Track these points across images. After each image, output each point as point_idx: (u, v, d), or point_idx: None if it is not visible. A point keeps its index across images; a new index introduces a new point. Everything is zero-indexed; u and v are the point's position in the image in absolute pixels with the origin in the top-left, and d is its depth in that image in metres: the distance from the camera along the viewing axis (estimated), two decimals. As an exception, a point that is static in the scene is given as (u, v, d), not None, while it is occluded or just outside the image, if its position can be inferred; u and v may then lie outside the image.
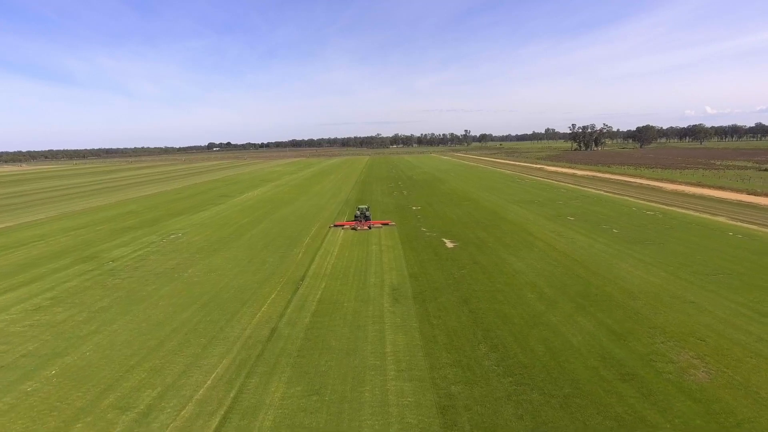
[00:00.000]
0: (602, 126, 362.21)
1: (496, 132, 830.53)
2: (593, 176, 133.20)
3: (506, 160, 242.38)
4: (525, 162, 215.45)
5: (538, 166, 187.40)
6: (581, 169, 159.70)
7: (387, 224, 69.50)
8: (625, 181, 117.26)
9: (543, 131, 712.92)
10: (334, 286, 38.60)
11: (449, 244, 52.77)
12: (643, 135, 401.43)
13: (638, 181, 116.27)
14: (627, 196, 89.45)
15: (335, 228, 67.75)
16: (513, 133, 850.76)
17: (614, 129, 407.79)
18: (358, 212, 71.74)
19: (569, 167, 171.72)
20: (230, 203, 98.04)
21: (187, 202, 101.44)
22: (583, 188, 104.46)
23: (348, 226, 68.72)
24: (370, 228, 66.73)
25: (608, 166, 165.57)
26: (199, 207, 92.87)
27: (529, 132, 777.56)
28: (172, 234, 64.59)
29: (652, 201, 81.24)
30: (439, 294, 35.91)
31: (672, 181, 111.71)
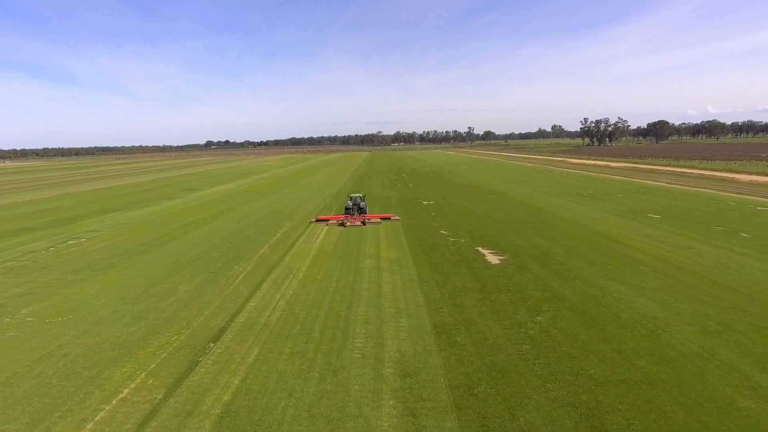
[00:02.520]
0: (617, 120, 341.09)
1: (498, 131, 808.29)
2: (633, 167, 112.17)
3: (518, 154, 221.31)
4: (541, 155, 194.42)
5: (559, 158, 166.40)
6: (614, 161, 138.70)
7: (389, 218, 49.73)
8: (679, 171, 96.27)
9: (549, 128, 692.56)
10: (274, 364, 17.73)
11: (492, 258, 31.96)
12: (659, 131, 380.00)
13: (694, 171, 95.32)
14: (700, 188, 68.56)
15: (316, 224, 48.02)
16: (516, 132, 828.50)
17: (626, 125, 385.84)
18: (350, 202, 52.02)
19: (597, 159, 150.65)
20: (190, 197, 77.30)
21: (138, 197, 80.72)
22: (634, 180, 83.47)
23: (334, 221, 48.86)
24: (364, 224, 46.89)
25: (641, 158, 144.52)
26: (148, 202, 72.16)
27: (533, 130, 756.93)
28: (74, 238, 43.91)
29: (743, 193, 60.37)
30: (512, 391, 15.06)
31: (737, 172, 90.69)
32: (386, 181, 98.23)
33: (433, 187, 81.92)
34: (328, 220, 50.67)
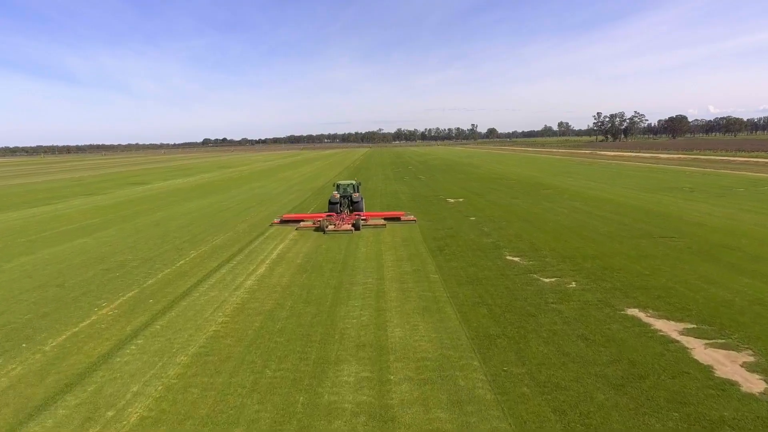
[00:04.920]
0: (633, 114, 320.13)
1: (500, 129, 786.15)
2: (694, 159, 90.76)
3: (532, 148, 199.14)
4: (561, 149, 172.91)
5: (588, 151, 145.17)
6: (660, 153, 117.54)
7: (399, 219, 31.08)
8: (763, 162, 75.00)
9: (555, 126, 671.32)
10: None
11: (719, 359, 10.71)
12: (676, 126, 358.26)
13: (784, 162, 74.01)
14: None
15: (279, 229, 29.58)
16: (519, 130, 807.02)
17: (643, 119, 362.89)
18: (337, 193, 33.03)
19: (635, 152, 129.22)
20: (119, 193, 56.14)
21: (54, 193, 59.64)
22: (725, 171, 62.14)
23: (309, 223, 30.17)
24: (357, 228, 28.04)
25: (688, 150, 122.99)
26: (55, 199, 51.09)
27: (536, 128, 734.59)
28: None
29: None
30: None
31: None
32: (390, 173, 76.97)
33: (453, 180, 60.65)
34: (299, 220, 30.89)
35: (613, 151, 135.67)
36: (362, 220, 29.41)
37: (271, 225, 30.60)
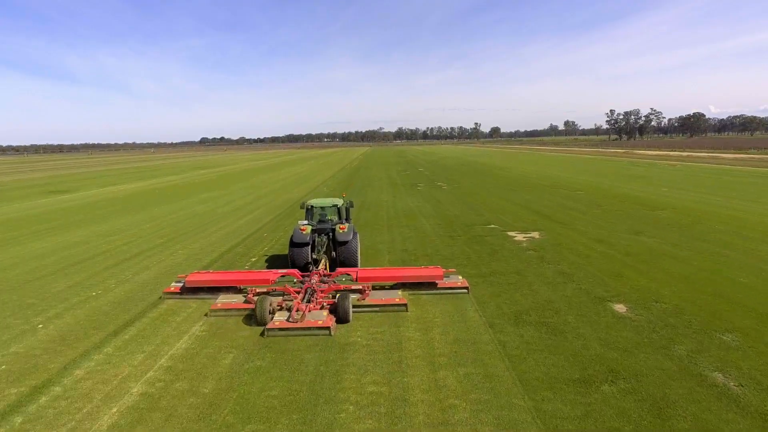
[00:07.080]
0: (650, 111, 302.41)
1: (502, 128, 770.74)
2: (764, 158, 73.00)
3: (545, 147, 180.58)
4: (587, 147, 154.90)
5: (622, 150, 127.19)
6: (716, 152, 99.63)
7: (435, 285, 12.52)
8: None
9: (561, 125, 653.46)
10: None
11: None
12: (694, 125, 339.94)
13: None
14: None
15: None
16: (522, 129, 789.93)
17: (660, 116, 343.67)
18: (308, 221, 14.65)
19: (683, 150, 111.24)
20: None
21: None
22: None
23: (236, 300, 12.53)
24: (340, 318, 11.18)
25: (740, 149, 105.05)
26: None
27: (540, 128, 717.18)
28: None
29: None
30: None
31: None
32: (396, 177, 58.99)
33: (490, 189, 42.72)
34: (219, 288, 13.45)
35: (651, 151, 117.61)
36: (354, 291, 12.32)
37: (161, 298, 13.24)
